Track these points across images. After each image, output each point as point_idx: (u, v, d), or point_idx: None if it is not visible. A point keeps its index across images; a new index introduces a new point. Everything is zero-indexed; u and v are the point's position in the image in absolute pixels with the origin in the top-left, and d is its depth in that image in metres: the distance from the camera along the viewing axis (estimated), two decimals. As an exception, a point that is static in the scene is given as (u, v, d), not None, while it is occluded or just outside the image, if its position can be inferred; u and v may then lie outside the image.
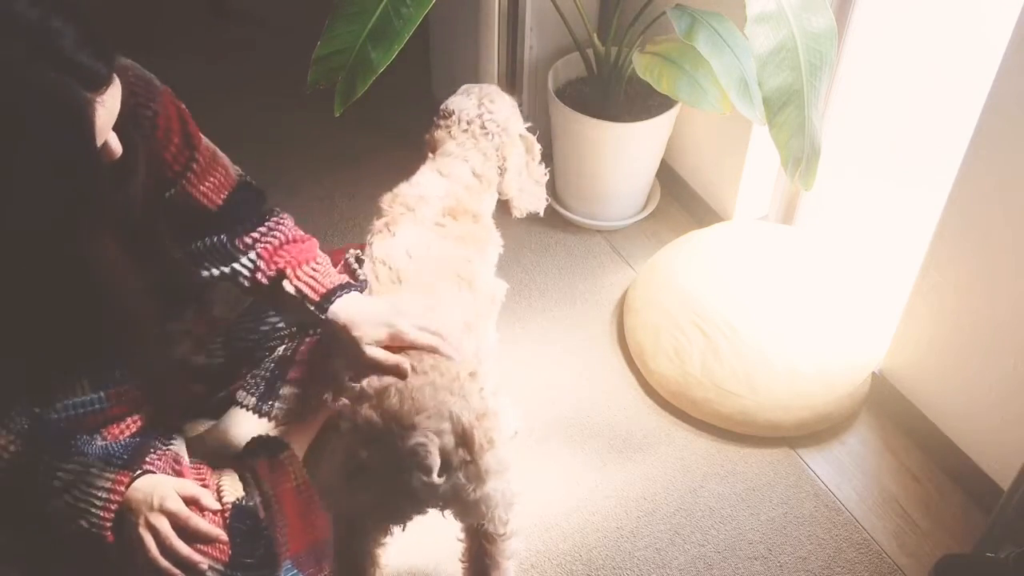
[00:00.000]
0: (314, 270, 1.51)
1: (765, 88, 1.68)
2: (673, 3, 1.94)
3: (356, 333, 1.42)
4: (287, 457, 1.59)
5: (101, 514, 1.36)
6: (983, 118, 1.66)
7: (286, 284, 1.50)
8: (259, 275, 1.51)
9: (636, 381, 2.16)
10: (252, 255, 1.52)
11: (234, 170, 1.54)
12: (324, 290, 1.48)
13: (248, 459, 1.57)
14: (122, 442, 1.44)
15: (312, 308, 1.47)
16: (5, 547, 1.43)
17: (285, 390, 1.66)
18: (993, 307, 1.76)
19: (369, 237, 1.60)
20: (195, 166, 1.45)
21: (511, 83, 2.47)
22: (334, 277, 1.50)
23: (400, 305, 1.45)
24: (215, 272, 1.52)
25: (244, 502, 1.47)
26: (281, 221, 1.56)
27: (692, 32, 1.81)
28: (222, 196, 1.50)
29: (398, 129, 2.77)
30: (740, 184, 2.33)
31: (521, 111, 2.51)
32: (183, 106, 1.44)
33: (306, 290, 1.48)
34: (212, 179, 1.48)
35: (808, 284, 2.15)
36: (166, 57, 2.91)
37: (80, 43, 1.12)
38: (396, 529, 1.51)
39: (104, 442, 1.43)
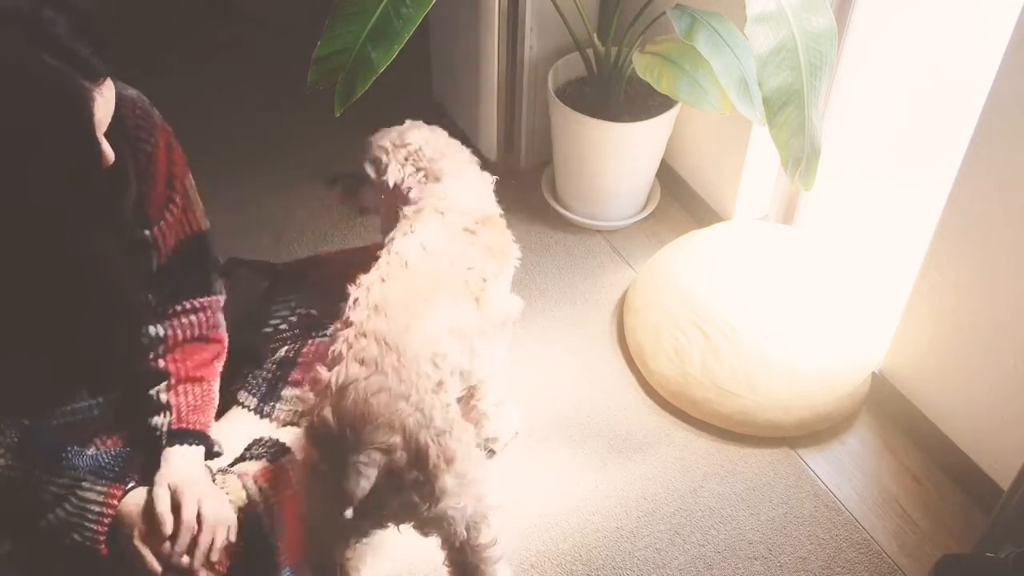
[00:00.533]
0: (196, 396, 1.48)
1: (765, 88, 1.68)
2: (673, 3, 1.94)
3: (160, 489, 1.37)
4: (288, 461, 1.58)
5: (95, 528, 1.35)
6: (983, 118, 1.66)
7: (162, 388, 1.47)
8: (152, 358, 1.48)
9: (636, 381, 2.16)
10: (160, 331, 1.48)
11: (202, 222, 1.51)
12: (185, 425, 1.45)
13: (249, 462, 1.56)
14: (112, 453, 1.44)
15: (163, 430, 1.45)
16: (6, 554, 1.42)
17: (287, 392, 1.66)
18: (993, 307, 1.76)
19: (392, 233, 1.60)
20: (173, 207, 1.44)
21: (511, 83, 2.47)
22: (202, 415, 1.48)
23: (209, 493, 1.41)
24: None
25: (248, 510, 1.46)
26: (208, 303, 1.53)
27: (692, 32, 1.81)
28: (171, 245, 1.47)
29: (398, 129, 2.77)
30: (740, 184, 2.33)
31: (521, 111, 2.53)
32: (176, 144, 1.44)
33: (174, 412, 1.46)
34: (179, 230, 1.47)
35: (808, 284, 2.15)
36: (167, 57, 2.93)
37: (74, 33, 1.12)
38: (375, 538, 1.51)
39: (95, 452, 1.43)
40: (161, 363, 1.48)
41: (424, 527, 1.47)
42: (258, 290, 1.73)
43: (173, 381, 1.48)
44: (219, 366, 1.55)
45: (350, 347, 1.40)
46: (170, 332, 1.49)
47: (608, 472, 1.97)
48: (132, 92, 1.37)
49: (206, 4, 3.23)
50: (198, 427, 1.48)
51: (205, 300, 1.53)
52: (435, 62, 2.77)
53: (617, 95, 2.33)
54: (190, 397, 1.49)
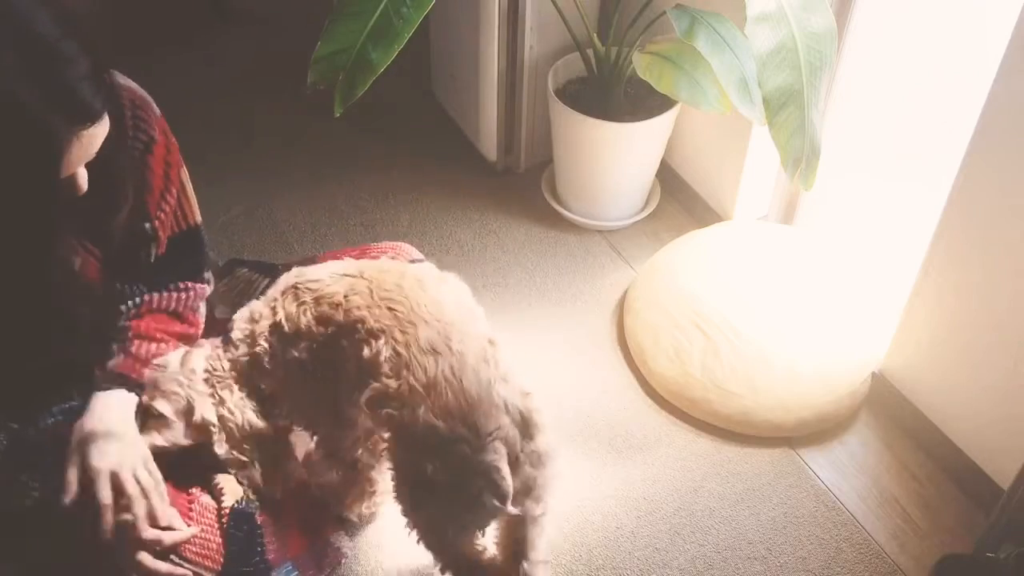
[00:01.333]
0: (148, 352, 1.44)
1: (765, 88, 1.68)
2: (673, 3, 1.94)
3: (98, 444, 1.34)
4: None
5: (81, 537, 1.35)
6: (983, 118, 1.66)
7: (117, 341, 1.45)
8: (122, 321, 1.46)
9: (636, 381, 2.16)
10: (137, 300, 1.47)
11: (197, 216, 1.51)
12: (128, 371, 1.42)
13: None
14: None
15: (97, 372, 1.42)
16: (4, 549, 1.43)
17: None
18: (993, 307, 1.76)
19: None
20: (169, 198, 1.44)
21: (511, 83, 2.47)
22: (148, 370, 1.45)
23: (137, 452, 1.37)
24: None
25: (244, 504, 1.46)
26: (192, 287, 1.51)
27: (692, 32, 1.81)
28: (167, 236, 1.47)
29: (398, 129, 2.77)
30: (740, 184, 2.33)
31: (521, 111, 2.53)
32: (171, 136, 1.43)
33: (119, 356, 1.43)
34: (173, 223, 1.46)
35: (808, 284, 2.15)
36: (167, 57, 2.93)
37: (85, 74, 1.10)
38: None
39: None
40: (126, 323, 1.45)
41: (526, 499, 1.42)
42: (257, 288, 1.74)
43: (131, 335, 1.44)
44: (183, 346, 1.51)
45: (407, 345, 1.33)
46: (146, 298, 1.46)
47: (608, 472, 1.97)
48: (127, 82, 1.36)
49: (206, 3, 3.23)
50: (141, 377, 1.44)
51: (190, 284, 1.51)
52: (435, 62, 2.77)
53: (617, 95, 2.33)
54: (142, 350, 1.45)
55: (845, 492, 1.95)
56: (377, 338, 1.35)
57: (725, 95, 1.88)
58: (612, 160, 2.36)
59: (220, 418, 1.44)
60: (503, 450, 1.30)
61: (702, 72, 1.98)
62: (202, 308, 1.56)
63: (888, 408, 2.08)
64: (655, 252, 2.36)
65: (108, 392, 1.40)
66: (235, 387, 1.45)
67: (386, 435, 1.40)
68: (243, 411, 1.45)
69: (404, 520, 1.45)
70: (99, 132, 1.15)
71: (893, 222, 2.28)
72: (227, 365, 1.45)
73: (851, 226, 2.34)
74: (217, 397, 1.44)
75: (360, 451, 1.57)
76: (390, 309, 1.37)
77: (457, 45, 2.57)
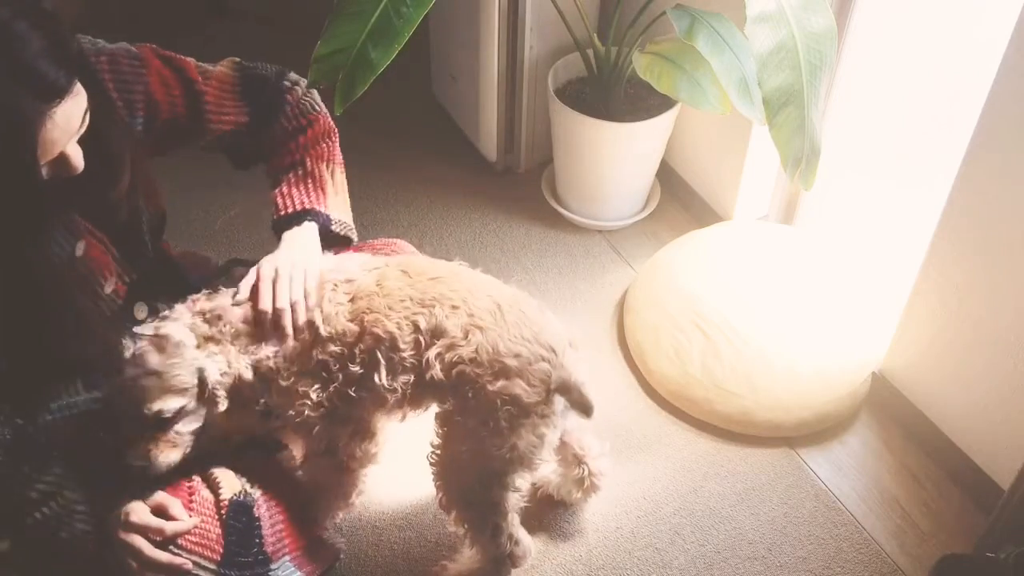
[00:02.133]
0: (297, 176, 1.54)
1: (765, 88, 1.68)
2: (673, 3, 1.94)
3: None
4: (284, 456, 1.59)
5: (83, 527, 1.35)
6: (983, 118, 1.66)
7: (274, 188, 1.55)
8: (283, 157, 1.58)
9: (636, 381, 2.16)
10: (299, 158, 1.56)
11: (227, 65, 1.55)
12: (288, 210, 1.53)
13: (244, 456, 1.57)
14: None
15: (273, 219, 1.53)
16: (4, 553, 1.43)
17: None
18: (993, 307, 1.76)
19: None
20: (209, 93, 1.46)
21: (511, 83, 2.47)
22: (306, 193, 1.54)
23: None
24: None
25: (242, 497, 1.46)
26: (285, 100, 1.57)
27: (692, 32, 1.81)
28: (238, 109, 1.52)
29: (398, 129, 2.77)
30: (740, 184, 2.33)
31: (521, 111, 2.53)
32: (166, 52, 1.44)
33: (279, 200, 1.54)
34: (225, 90, 1.51)
35: (808, 284, 2.15)
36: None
37: (42, 50, 1.08)
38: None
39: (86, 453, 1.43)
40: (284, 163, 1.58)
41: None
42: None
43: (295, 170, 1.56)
44: (327, 146, 1.60)
45: (463, 299, 1.44)
46: (277, 130, 1.56)
47: (608, 472, 1.97)
48: (99, 44, 1.36)
49: (205, 2, 3.23)
50: (304, 206, 1.54)
51: (282, 101, 1.57)
52: (435, 62, 2.77)
53: (617, 95, 2.33)
54: (293, 182, 1.55)
55: (845, 492, 1.95)
56: (431, 306, 1.44)
57: (725, 95, 1.88)
58: (612, 160, 2.37)
59: (223, 375, 1.43)
60: (578, 363, 1.45)
61: (702, 72, 1.98)
62: (308, 104, 1.61)
63: (888, 408, 2.08)
64: (655, 252, 2.36)
65: (292, 231, 1.50)
66: (230, 345, 1.43)
67: (438, 406, 1.52)
68: (239, 365, 1.44)
69: (439, 493, 1.57)
70: (74, 107, 1.14)
71: (893, 222, 2.28)
72: (229, 323, 1.45)
73: (851, 226, 2.34)
74: (221, 357, 1.42)
75: (353, 448, 1.58)
76: (432, 280, 1.47)
77: (457, 45, 2.57)
